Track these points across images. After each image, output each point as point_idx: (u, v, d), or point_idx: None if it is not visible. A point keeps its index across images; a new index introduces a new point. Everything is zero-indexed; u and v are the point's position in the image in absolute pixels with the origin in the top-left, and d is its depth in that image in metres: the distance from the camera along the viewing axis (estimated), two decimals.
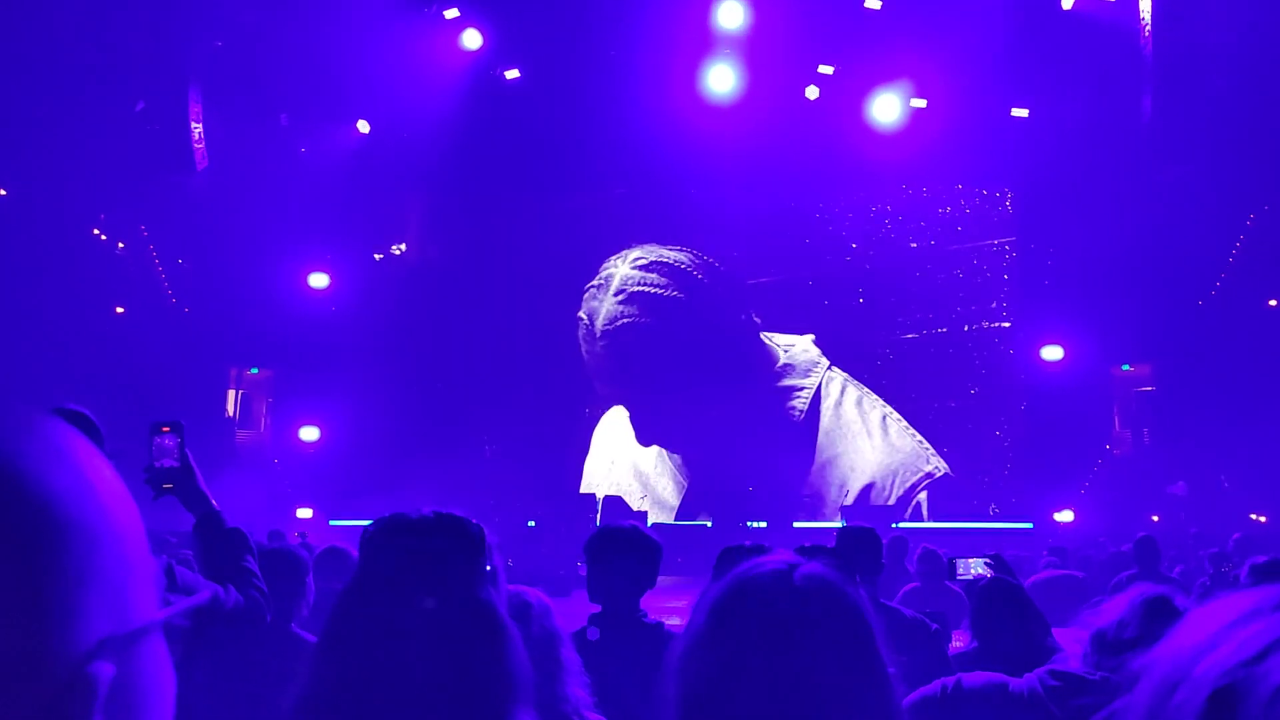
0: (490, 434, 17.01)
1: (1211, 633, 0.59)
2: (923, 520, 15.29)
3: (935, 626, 3.62)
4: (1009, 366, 17.05)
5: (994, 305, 17.21)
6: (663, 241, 17.20)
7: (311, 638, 3.22)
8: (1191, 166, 13.92)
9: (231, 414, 17.06)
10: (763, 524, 14.69)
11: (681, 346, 15.82)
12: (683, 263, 16.44)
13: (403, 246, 17.89)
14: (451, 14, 14.97)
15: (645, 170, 16.68)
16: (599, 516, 15.22)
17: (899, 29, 14.72)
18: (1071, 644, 3.14)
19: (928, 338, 17.03)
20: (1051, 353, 16.32)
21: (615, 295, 16.41)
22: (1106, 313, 15.58)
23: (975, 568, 3.75)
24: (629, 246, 17.21)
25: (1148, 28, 13.36)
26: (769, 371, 16.09)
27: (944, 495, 15.68)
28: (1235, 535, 8.39)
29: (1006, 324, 17.06)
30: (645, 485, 16.33)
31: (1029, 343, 16.68)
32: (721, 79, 15.65)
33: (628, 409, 16.30)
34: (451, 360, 17.24)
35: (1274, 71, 14.07)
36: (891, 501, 15.26)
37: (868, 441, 15.63)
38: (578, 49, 15.58)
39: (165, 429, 2.57)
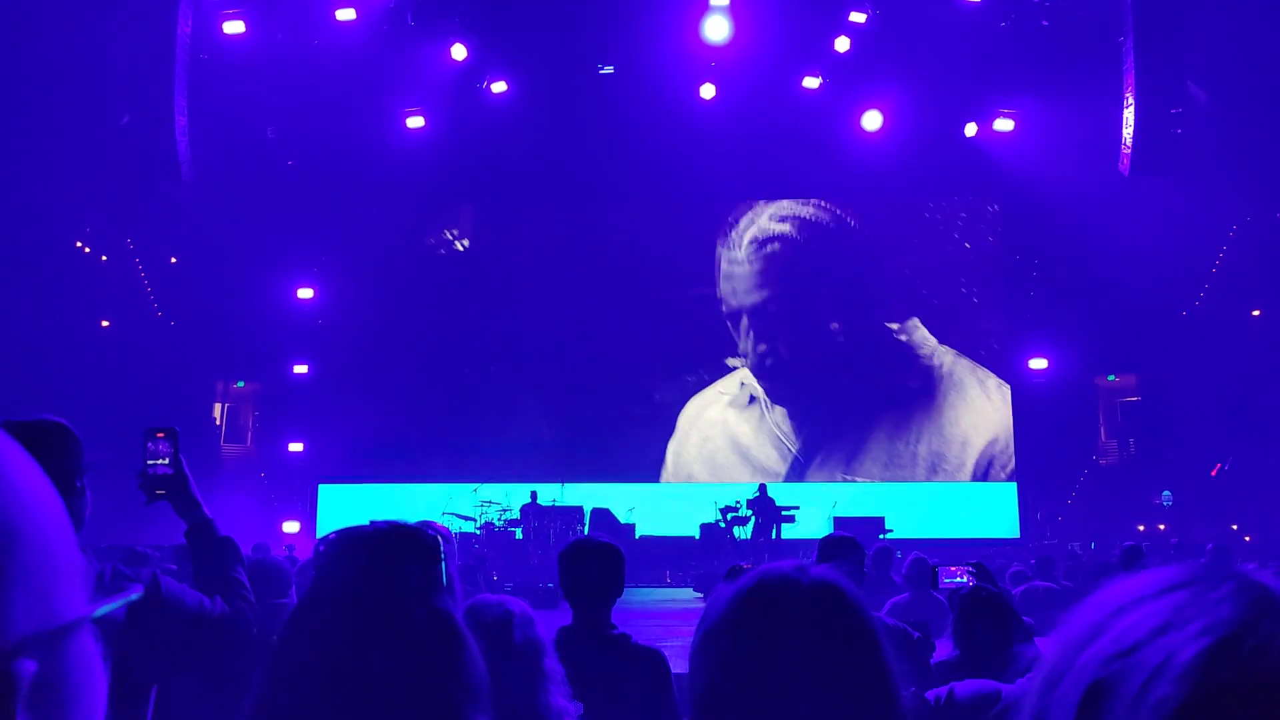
0: (478, 447, 16.96)
1: (1097, 620, 0.58)
2: None
3: (917, 635, 3.63)
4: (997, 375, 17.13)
5: (980, 316, 17.29)
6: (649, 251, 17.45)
7: None
8: (1175, 179, 14.04)
9: (218, 427, 17.00)
10: (747, 532, 14.70)
11: (815, 294, 16.98)
12: (824, 220, 17.48)
13: (458, 237, 17.85)
14: (459, 52, 14.99)
15: (637, 176, 16.74)
16: (586, 528, 15.19)
17: (884, 42, 14.81)
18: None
19: (912, 345, 17.09)
20: (1037, 363, 16.41)
21: (765, 221, 17.41)
22: (1091, 324, 15.69)
23: (957, 576, 3.76)
24: (623, 256, 17.53)
25: (1130, 41, 13.49)
26: (888, 342, 17.13)
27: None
28: (1209, 545, 8.44)
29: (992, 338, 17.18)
30: (745, 456, 16.91)
31: (1015, 353, 16.77)
32: (707, 89, 15.79)
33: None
34: (441, 374, 17.19)
35: (1256, 84, 14.22)
36: (1012, 458, 16.32)
37: (988, 404, 16.75)
38: (568, 61, 15.62)
39: (159, 434, 2.57)
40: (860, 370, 16.81)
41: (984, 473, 16.51)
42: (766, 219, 17.37)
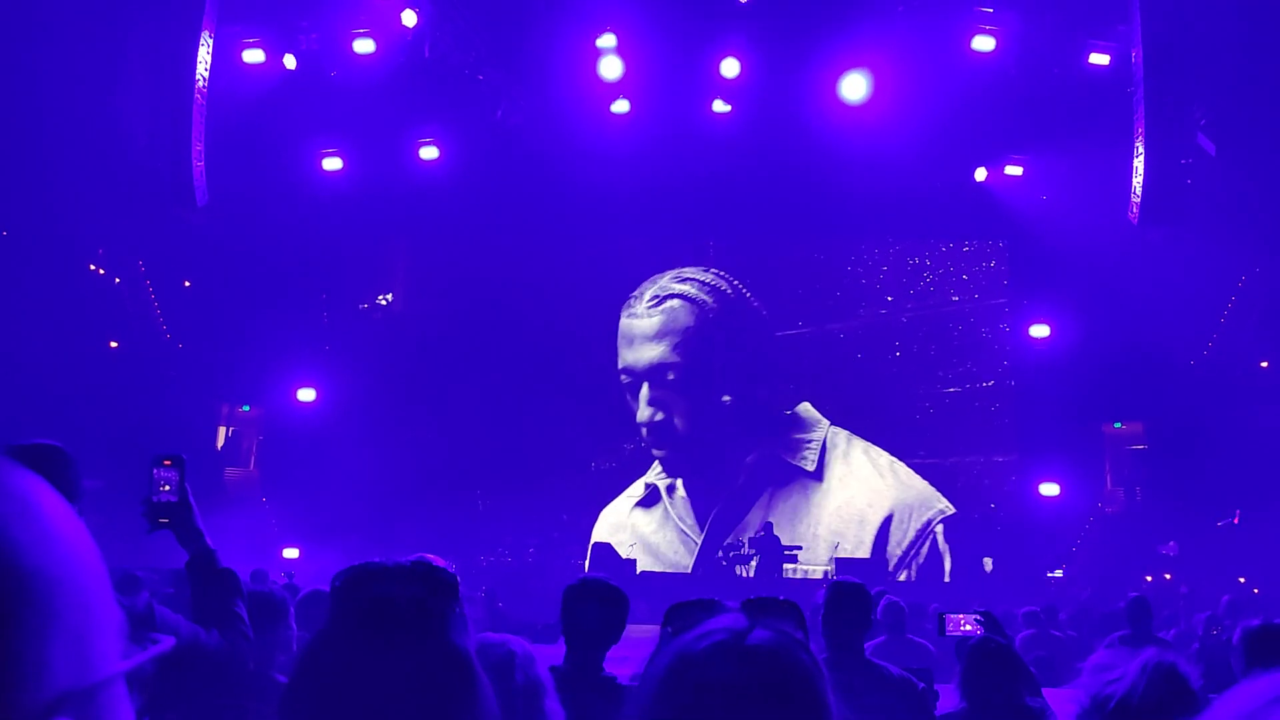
0: (482, 479, 16.89)
1: (1250, 710, 0.57)
2: (940, 556, 15.82)
3: (921, 685, 3.56)
4: (1000, 422, 17.07)
5: (986, 360, 17.27)
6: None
7: None
8: (1184, 228, 14.06)
9: (220, 449, 16.98)
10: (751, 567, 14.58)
11: (711, 363, 16.56)
12: (724, 289, 17.14)
13: (389, 297, 17.88)
14: (475, 84, 15.11)
15: (652, 216, 16.79)
16: (587, 563, 15.10)
17: (894, 85, 14.90)
18: (1063, 704, 3.09)
19: (923, 392, 17.05)
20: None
21: (652, 299, 17.10)
22: (1099, 370, 15.65)
23: (964, 624, 3.70)
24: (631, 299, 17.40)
25: (1141, 92, 13.57)
26: (778, 424, 16.61)
27: (956, 535, 16.09)
28: (1225, 597, 8.34)
29: (990, 384, 17.13)
30: (654, 553, 16.20)
31: (1021, 396, 16.72)
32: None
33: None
34: (444, 404, 17.15)
35: (1266, 136, 14.28)
36: (911, 535, 15.86)
37: (881, 481, 16.29)
38: (568, 89, 15.69)
39: (166, 462, 2.54)
40: (754, 448, 16.35)
41: (886, 548, 15.82)
42: (668, 279, 17.11)
